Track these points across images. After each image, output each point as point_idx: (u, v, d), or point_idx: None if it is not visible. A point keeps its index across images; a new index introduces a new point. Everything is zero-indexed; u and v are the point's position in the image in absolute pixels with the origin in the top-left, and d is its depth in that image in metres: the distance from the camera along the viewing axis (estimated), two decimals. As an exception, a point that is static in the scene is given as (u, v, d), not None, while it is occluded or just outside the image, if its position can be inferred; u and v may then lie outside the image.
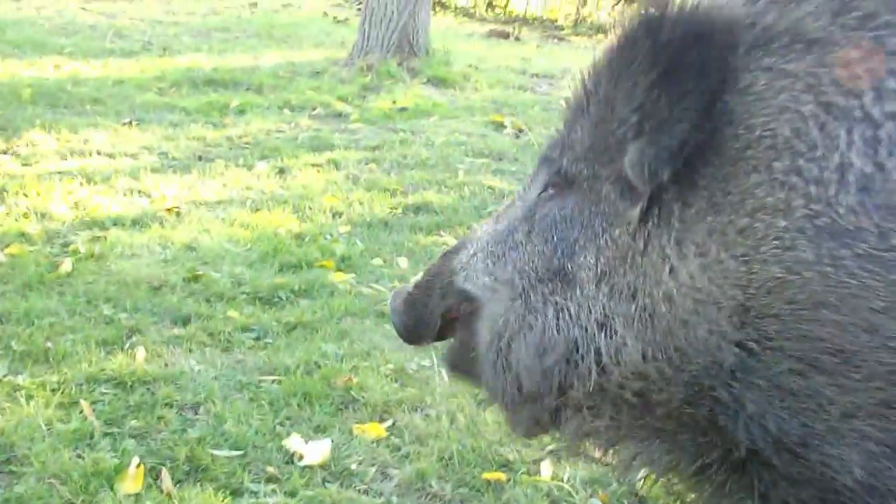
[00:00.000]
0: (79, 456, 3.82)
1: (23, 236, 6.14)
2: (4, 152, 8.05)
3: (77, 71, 11.73)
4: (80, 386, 4.38)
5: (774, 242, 1.89)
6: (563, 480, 3.87)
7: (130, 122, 9.36)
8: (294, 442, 4.02)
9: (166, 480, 3.69)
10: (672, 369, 2.03)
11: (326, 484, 3.79)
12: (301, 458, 3.94)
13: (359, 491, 3.78)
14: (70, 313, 5.10)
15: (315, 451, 3.97)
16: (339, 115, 10.44)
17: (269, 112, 10.33)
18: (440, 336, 2.77)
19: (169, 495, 3.62)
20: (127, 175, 7.63)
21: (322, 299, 5.48)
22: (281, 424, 4.18)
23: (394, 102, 11.06)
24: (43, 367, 4.53)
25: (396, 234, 6.81)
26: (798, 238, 1.88)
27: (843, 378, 1.88)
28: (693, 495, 2.27)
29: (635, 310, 2.08)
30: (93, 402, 4.24)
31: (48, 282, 5.48)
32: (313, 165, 8.30)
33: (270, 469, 3.84)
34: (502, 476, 3.89)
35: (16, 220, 6.43)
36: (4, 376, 4.41)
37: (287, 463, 3.91)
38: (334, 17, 19.26)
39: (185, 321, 5.15)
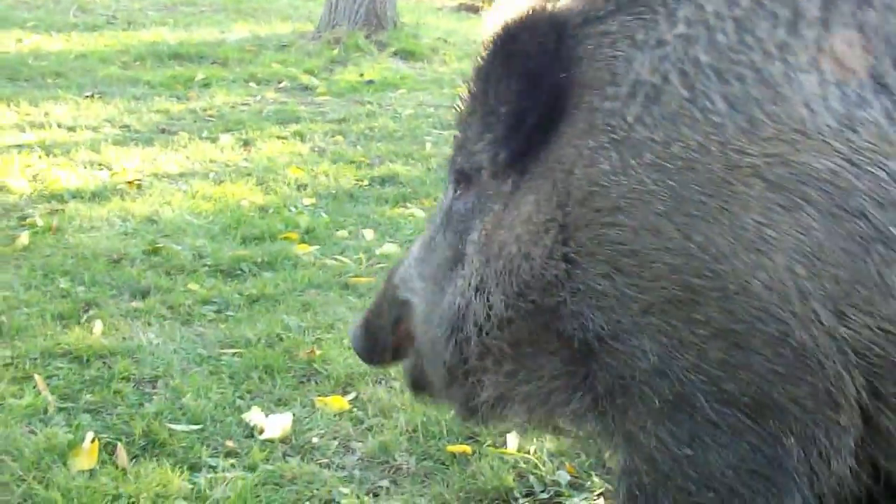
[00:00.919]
0: (31, 431, 3.71)
1: (-21, 210, 6.01)
2: (-38, 125, 7.91)
3: (39, 45, 11.58)
4: (35, 360, 4.27)
5: (583, 161, 2.25)
6: (529, 452, 3.79)
7: (92, 96, 9.22)
8: (254, 415, 3.92)
9: (121, 455, 3.59)
10: (524, 303, 2.40)
11: (287, 458, 3.69)
12: (261, 431, 3.85)
13: (321, 465, 3.68)
14: (26, 287, 4.98)
15: (276, 425, 3.86)
16: (306, 88, 10.31)
17: (234, 85, 10.20)
18: (398, 354, 3.04)
19: (124, 471, 3.51)
20: (87, 148, 7.50)
21: (285, 271, 5.37)
22: (241, 398, 4.08)
23: (361, 75, 10.93)
24: (-4, 341, 4.42)
25: (362, 205, 6.70)
26: (599, 152, 2.23)
27: (637, 278, 2.19)
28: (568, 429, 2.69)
29: (502, 266, 2.43)
30: (47, 377, 4.13)
31: (4, 256, 5.37)
32: (278, 138, 8.17)
33: (229, 443, 3.74)
34: (468, 448, 3.80)
35: (-28, 193, 6.30)
36: (-44, 351, 4.29)
37: (247, 437, 3.82)
38: (302, -9, 19.04)
39: (144, 294, 5.04)
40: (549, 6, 2.47)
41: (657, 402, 2.23)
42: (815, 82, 2.07)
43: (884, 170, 2.00)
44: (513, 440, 3.85)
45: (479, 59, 2.57)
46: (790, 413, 2.14)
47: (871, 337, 2.05)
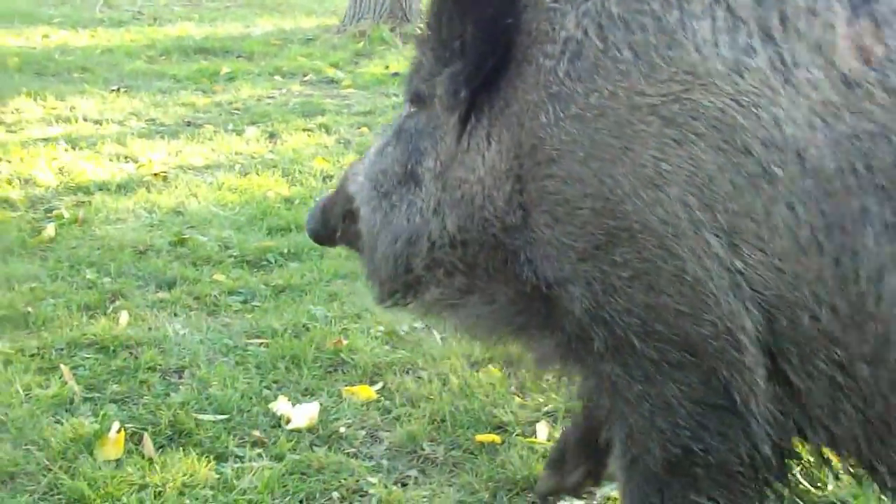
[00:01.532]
0: (58, 422, 3.69)
1: (5, 202, 6.02)
2: (-11, 119, 7.93)
3: (66, 40, 11.62)
4: (61, 351, 4.25)
5: (529, 115, 2.42)
6: (559, 442, 3.74)
7: (118, 90, 9.22)
8: (281, 405, 3.88)
9: (148, 445, 3.56)
10: (481, 234, 2.60)
11: (314, 448, 3.66)
12: (288, 421, 3.81)
13: (348, 454, 3.65)
14: (52, 278, 4.97)
15: (302, 415, 3.82)
16: (331, 81, 10.29)
17: (259, 79, 10.18)
18: (344, 240, 3.30)
19: (150, 460, 3.49)
20: (113, 141, 7.50)
21: (311, 262, 5.33)
22: (268, 388, 4.05)
23: (386, 68, 10.89)
24: (22, 332, 4.41)
25: (389, 197, 6.64)
26: (540, 107, 2.40)
27: (570, 226, 2.37)
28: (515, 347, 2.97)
29: (460, 196, 2.62)
30: (73, 367, 4.11)
31: (30, 247, 5.36)
32: (304, 130, 8.14)
33: (256, 433, 3.71)
34: (496, 438, 3.75)
35: (-1, 186, 6.30)
36: (-18, 342, 4.28)
37: (274, 427, 3.78)
38: (327, -14, 19.02)
39: (171, 285, 5.02)
40: None
41: (602, 345, 2.41)
42: (708, 29, 2.22)
43: (767, 112, 2.14)
44: (542, 430, 3.81)
45: None
46: (707, 351, 2.29)
47: (763, 273, 2.18)
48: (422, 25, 2.88)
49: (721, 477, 2.45)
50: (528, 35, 2.49)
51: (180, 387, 4.03)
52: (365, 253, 3.09)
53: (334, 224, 3.27)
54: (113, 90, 9.17)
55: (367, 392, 4.04)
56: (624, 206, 2.27)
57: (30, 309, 4.59)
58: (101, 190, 6.38)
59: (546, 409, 3.98)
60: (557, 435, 3.76)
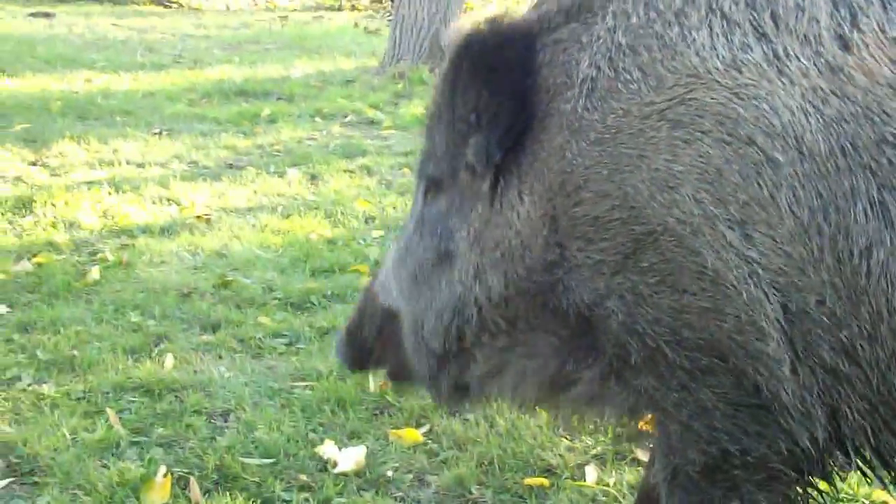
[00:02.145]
0: (104, 465, 3.69)
1: (50, 245, 6.05)
2: (34, 163, 8.01)
3: (107, 84, 11.71)
4: (107, 394, 4.26)
5: (556, 158, 2.55)
6: (608, 485, 3.69)
7: (160, 133, 9.28)
8: (327, 449, 3.85)
9: (194, 490, 3.55)
10: (522, 284, 2.67)
11: (361, 492, 3.63)
12: (335, 465, 3.78)
13: (395, 498, 3.62)
14: (97, 321, 4.99)
15: (349, 458, 3.80)
16: (371, 122, 10.31)
17: (300, 120, 10.21)
18: (379, 361, 3.34)
19: (197, 505, 3.47)
20: (156, 183, 7.53)
21: (356, 304, 5.31)
22: (314, 431, 4.03)
23: (426, 108, 10.87)
24: (69, 376, 4.42)
25: (431, 238, 6.62)
26: (564, 147, 2.53)
27: (601, 242, 2.49)
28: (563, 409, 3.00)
29: (500, 255, 2.70)
30: (119, 411, 4.11)
31: (75, 290, 5.38)
32: (346, 171, 8.15)
33: (303, 477, 3.69)
34: (545, 481, 3.71)
35: (43, 229, 6.35)
36: (29, 385, 4.30)
37: (320, 470, 3.75)
38: (365, 28, 19.14)
39: (215, 328, 5.02)
40: (507, 20, 2.74)
41: (638, 357, 2.51)
42: (706, 35, 2.38)
43: (765, 103, 2.29)
44: (591, 473, 3.76)
45: (445, 71, 2.83)
46: (733, 349, 2.39)
47: (774, 259, 2.29)
48: (427, 111, 3.00)
49: (762, 477, 2.53)
50: (547, 92, 2.62)
51: (226, 430, 4.02)
52: (412, 351, 3.11)
53: (368, 345, 3.31)
54: (155, 133, 9.23)
55: (413, 435, 4.00)
56: (646, 211, 2.40)
57: (75, 352, 4.61)
58: (144, 233, 6.41)
59: (594, 451, 3.93)
60: (606, 479, 3.72)
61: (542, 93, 2.63)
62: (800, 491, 2.65)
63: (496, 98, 2.67)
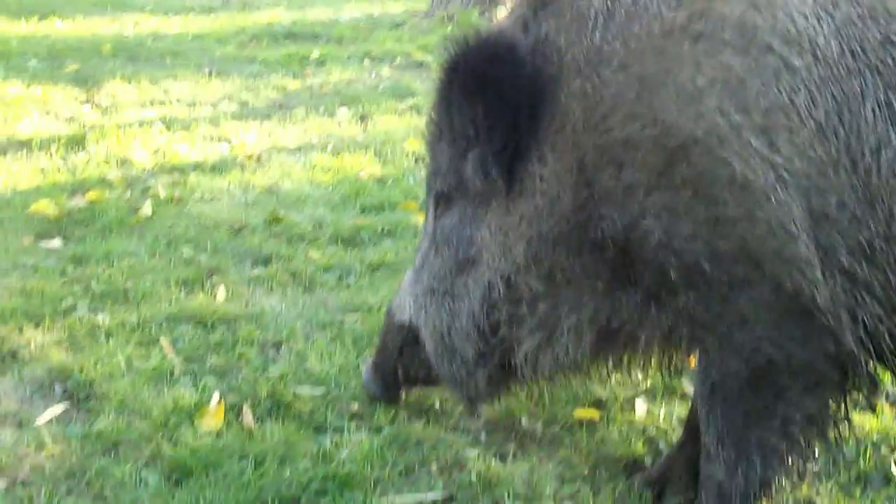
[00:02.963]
0: (158, 393, 3.73)
1: (103, 182, 6.10)
2: (85, 102, 8.05)
3: (157, 27, 11.74)
4: (160, 325, 4.30)
5: (578, 99, 2.62)
6: (658, 418, 3.69)
7: (210, 74, 9.29)
8: (378, 379, 3.87)
9: (247, 417, 3.59)
10: (552, 235, 2.74)
11: (412, 421, 3.65)
12: (386, 395, 3.80)
13: (446, 428, 3.63)
14: (150, 255, 5.03)
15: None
16: (421, 65, 10.24)
17: (349, 63, 10.18)
18: (405, 380, 3.50)
19: (250, 431, 3.51)
20: (207, 122, 7.56)
21: (405, 240, 5.33)
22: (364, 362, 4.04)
23: (476, 51, 10.80)
24: (122, 307, 4.46)
25: (481, 176, 6.61)
26: (586, 84, 2.60)
27: (634, 163, 2.54)
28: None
29: (526, 225, 2.77)
30: (173, 341, 4.16)
31: (128, 225, 5.43)
32: (395, 112, 8.13)
33: (354, 406, 3.72)
34: (595, 414, 3.72)
35: (96, 166, 6.40)
36: (84, 315, 4.34)
37: (371, 400, 3.77)
38: (414, -28, 19.00)
39: (266, 262, 5.05)
40: (492, 36, 2.89)
41: (678, 275, 2.56)
42: None
43: (781, 10, 2.40)
44: (641, 406, 3.77)
45: (439, 90, 2.98)
46: (767, 255, 2.46)
47: (797, 163, 2.38)
48: (427, 128, 3.12)
49: (808, 382, 2.60)
50: (551, 61, 2.74)
51: (278, 360, 4.05)
52: (436, 360, 3.23)
53: (393, 367, 3.46)
54: (205, 74, 9.24)
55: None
56: (675, 125, 2.47)
57: (129, 284, 4.66)
58: (195, 170, 6.44)
59: (644, 386, 3.92)
60: (655, 412, 3.72)
61: (546, 68, 2.73)
62: (841, 397, 2.71)
63: (490, 113, 2.79)
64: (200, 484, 3.20)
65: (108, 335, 4.16)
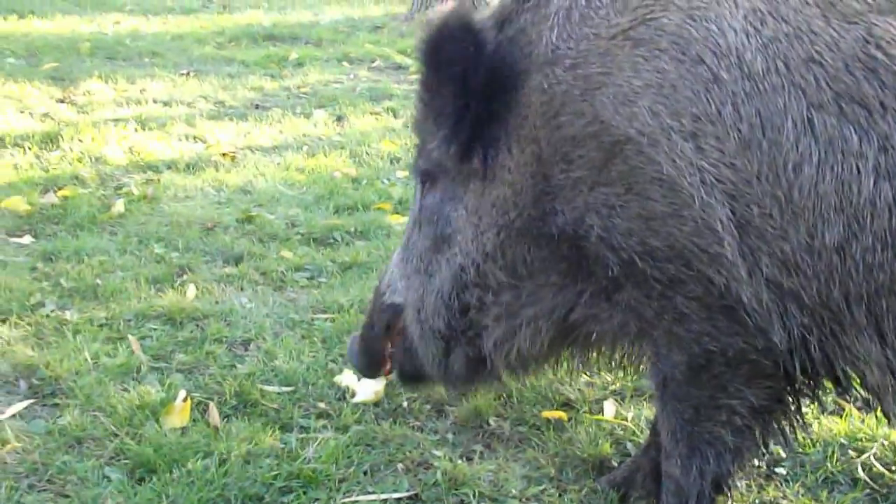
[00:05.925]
0: (124, 389, 3.70)
1: (76, 179, 6.08)
2: (61, 101, 8.01)
3: (136, 27, 11.74)
4: (129, 321, 4.28)
5: (538, 93, 2.71)
6: (626, 420, 3.69)
7: (188, 74, 9.29)
8: (346, 378, 3.86)
9: (213, 414, 3.56)
10: (517, 223, 2.81)
11: (379, 421, 3.63)
12: (353, 394, 3.79)
13: (413, 428, 3.62)
14: (120, 252, 5.01)
15: (368, 388, 3.79)
16: (399, 68, 10.27)
17: (327, 64, 10.19)
18: (390, 359, 3.43)
19: (216, 429, 3.48)
20: (182, 121, 7.55)
21: (378, 240, 5.33)
22: (333, 361, 4.03)
23: (454, 55, 10.81)
24: (91, 303, 4.43)
25: (456, 179, 6.61)
26: (544, 81, 2.70)
27: (578, 159, 2.64)
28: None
29: (496, 212, 2.85)
30: (141, 338, 4.13)
31: (100, 222, 5.41)
32: (371, 114, 8.14)
33: (321, 405, 3.70)
34: (563, 415, 3.71)
35: (69, 163, 6.38)
36: (52, 311, 4.31)
37: (339, 399, 3.76)
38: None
39: (238, 260, 5.03)
40: (464, 16, 2.90)
41: (618, 271, 2.65)
42: None
43: (714, 24, 2.49)
44: (609, 407, 3.76)
45: (418, 72, 3.02)
46: (695, 254, 2.54)
47: (723, 171, 2.46)
48: (414, 109, 3.16)
49: (745, 370, 2.67)
50: (519, 49, 2.81)
51: (246, 358, 4.03)
52: (418, 339, 3.23)
53: (379, 345, 3.42)
54: (182, 74, 9.24)
55: (432, 367, 3.99)
56: (611, 123, 2.56)
57: (99, 281, 4.63)
58: (169, 168, 6.43)
59: (613, 387, 3.92)
60: (624, 413, 3.72)
61: (512, 57, 2.81)
62: (788, 391, 2.78)
63: (447, 92, 2.88)
64: (164, 481, 3.17)
65: (76, 331, 4.12)
